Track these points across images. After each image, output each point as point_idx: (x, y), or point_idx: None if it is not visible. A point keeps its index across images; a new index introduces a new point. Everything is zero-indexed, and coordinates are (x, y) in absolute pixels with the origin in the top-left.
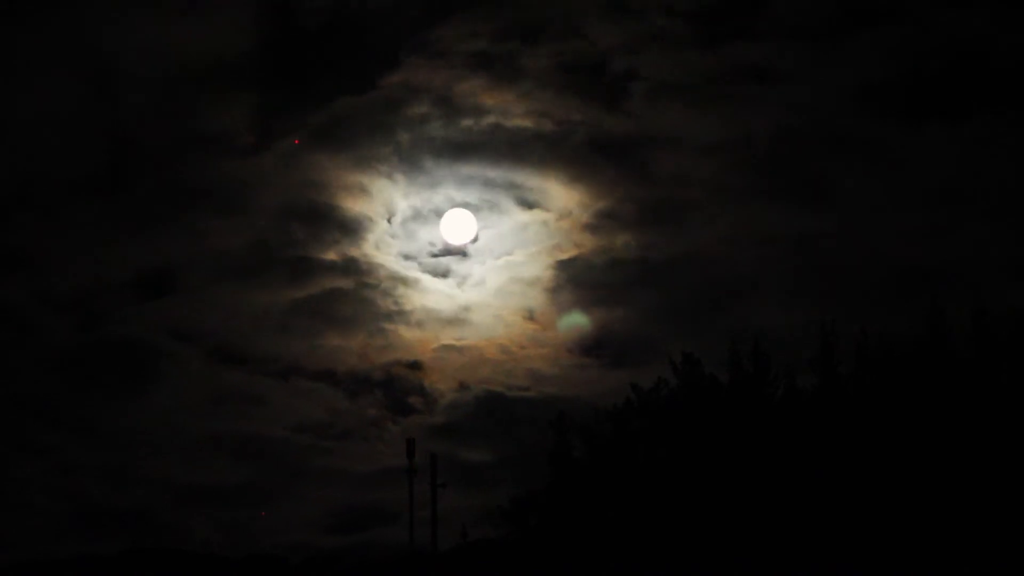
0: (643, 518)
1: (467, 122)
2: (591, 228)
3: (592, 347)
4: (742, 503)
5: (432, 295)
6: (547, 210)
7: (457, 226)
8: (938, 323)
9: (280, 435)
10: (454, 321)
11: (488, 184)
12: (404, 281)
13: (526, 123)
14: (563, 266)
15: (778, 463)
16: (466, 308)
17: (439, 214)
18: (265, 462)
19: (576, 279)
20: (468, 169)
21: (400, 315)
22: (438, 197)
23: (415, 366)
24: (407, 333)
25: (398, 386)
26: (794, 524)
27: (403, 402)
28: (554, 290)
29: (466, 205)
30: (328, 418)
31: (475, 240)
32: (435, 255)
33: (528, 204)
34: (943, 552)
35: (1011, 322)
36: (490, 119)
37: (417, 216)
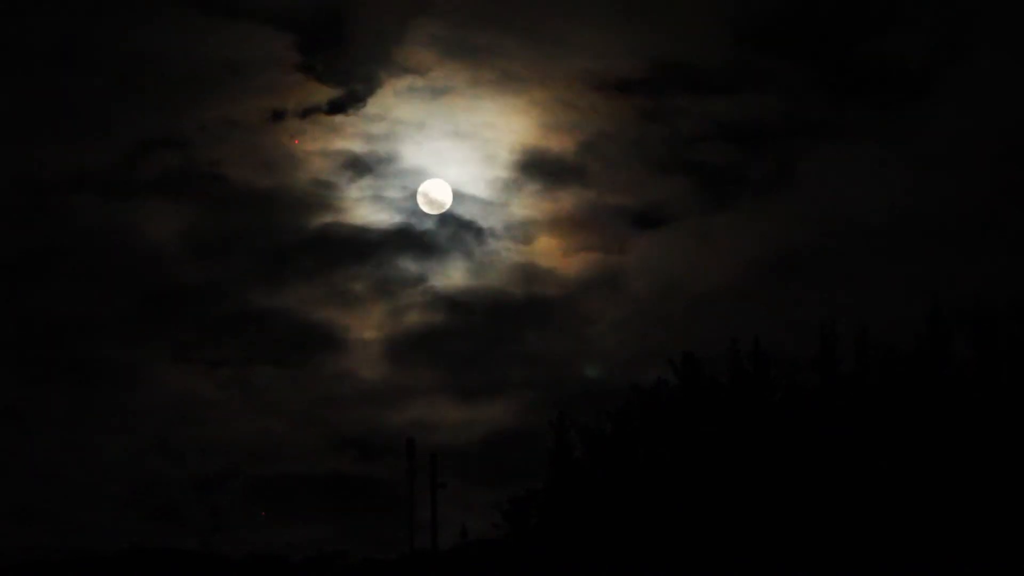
0: (643, 518)
1: None
2: None
3: None
4: (742, 503)
5: None
6: None
7: None
8: (938, 323)
9: None
10: None
11: None
12: None
13: None
14: None
15: (778, 463)
16: None
17: None
18: None
19: None
20: None
21: None
22: None
23: None
24: None
25: None
26: (794, 524)
27: None
28: None
29: None
30: None
31: None
32: None
33: None
34: (943, 551)
35: (1011, 323)
36: None
37: None
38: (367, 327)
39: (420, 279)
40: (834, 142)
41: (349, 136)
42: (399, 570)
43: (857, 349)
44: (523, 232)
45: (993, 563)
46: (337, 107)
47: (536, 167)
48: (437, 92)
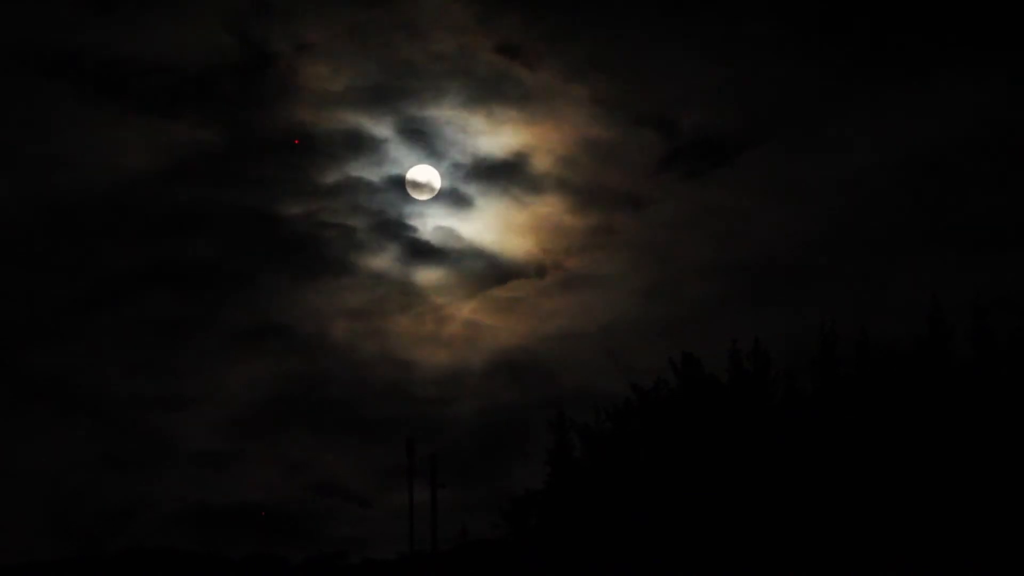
0: (643, 518)
1: None
2: None
3: None
4: (742, 503)
5: None
6: None
7: None
8: (938, 323)
9: None
10: None
11: None
12: None
13: None
14: None
15: (778, 464)
16: None
17: None
18: None
19: None
20: None
21: None
22: None
23: None
24: None
25: None
26: (794, 525)
27: None
28: None
29: None
30: None
31: None
32: None
33: None
34: (943, 552)
35: (1011, 322)
36: None
37: None
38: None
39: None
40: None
41: None
42: (399, 570)
43: (857, 349)
44: None
45: (994, 563)
46: None
47: None
48: None
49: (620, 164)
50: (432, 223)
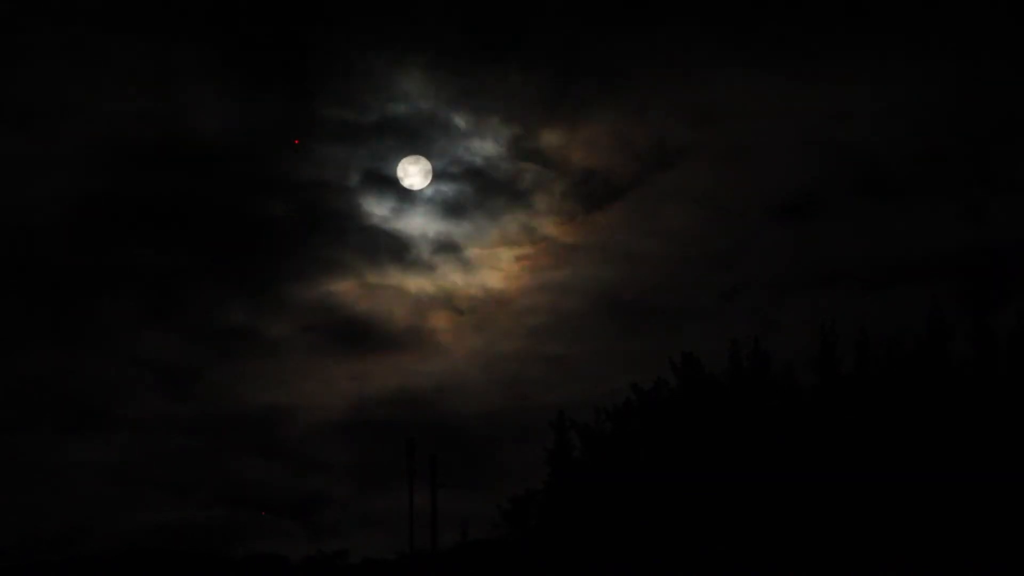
0: (643, 518)
1: None
2: None
3: None
4: (742, 503)
5: None
6: None
7: None
8: (938, 323)
9: None
10: None
11: None
12: None
13: None
14: None
15: (778, 463)
16: None
17: None
18: None
19: None
20: None
21: None
22: None
23: None
24: None
25: None
26: (794, 524)
27: None
28: None
29: None
30: None
31: None
32: None
33: None
34: (943, 552)
35: (1011, 322)
36: None
37: None
38: None
39: None
40: None
41: None
42: (399, 570)
43: (857, 349)
44: None
45: (993, 563)
46: None
47: None
48: None
49: None
50: (423, 221)
